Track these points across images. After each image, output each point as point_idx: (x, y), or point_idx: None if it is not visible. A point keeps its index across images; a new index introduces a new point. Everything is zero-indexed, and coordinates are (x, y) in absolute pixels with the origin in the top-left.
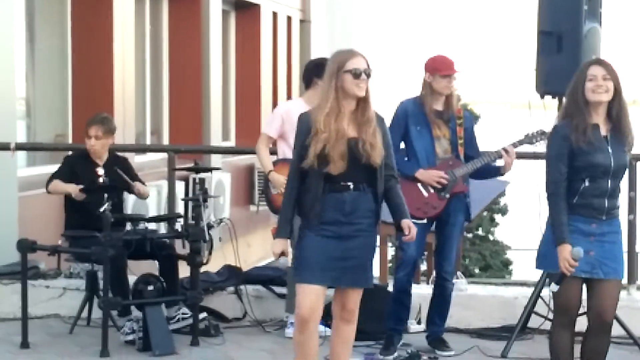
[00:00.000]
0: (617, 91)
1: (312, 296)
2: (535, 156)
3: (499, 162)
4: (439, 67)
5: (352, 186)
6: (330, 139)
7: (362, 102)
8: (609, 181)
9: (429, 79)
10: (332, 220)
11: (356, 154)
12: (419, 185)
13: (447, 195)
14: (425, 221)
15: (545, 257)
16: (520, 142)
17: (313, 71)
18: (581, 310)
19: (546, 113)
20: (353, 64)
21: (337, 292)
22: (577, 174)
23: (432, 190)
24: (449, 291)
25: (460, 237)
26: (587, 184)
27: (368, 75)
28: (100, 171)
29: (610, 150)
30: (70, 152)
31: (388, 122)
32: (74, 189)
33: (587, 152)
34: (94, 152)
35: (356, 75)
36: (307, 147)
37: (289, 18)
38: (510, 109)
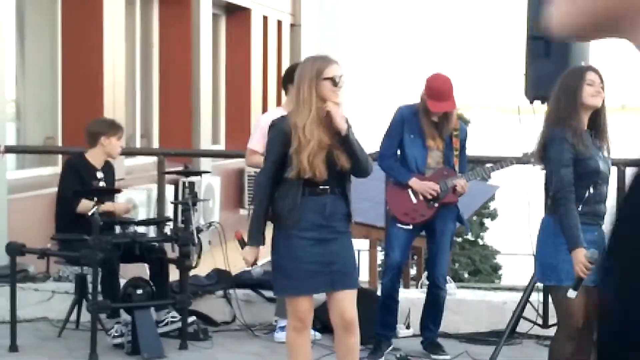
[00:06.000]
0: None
1: (307, 300)
2: (524, 162)
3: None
4: (430, 97)
5: (329, 190)
6: (314, 148)
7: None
8: (605, 186)
9: (424, 97)
10: (311, 224)
11: (332, 160)
12: (409, 191)
13: (436, 205)
14: (410, 227)
15: (554, 269)
16: (493, 169)
17: (289, 78)
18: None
19: (535, 118)
20: (332, 71)
21: (332, 299)
22: (580, 180)
23: (421, 198)
24: (442, 299)
25: (451, 244)
26: (591, 190)
27: (342, 83)
28: (99, 175)
29: (603, 156)
30: (60, 155)
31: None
32: (119, 206)
33: (588, 157)
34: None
35: (335, 83)
36: (290, 157)
37: (279, 22)
38: (499, 113)
